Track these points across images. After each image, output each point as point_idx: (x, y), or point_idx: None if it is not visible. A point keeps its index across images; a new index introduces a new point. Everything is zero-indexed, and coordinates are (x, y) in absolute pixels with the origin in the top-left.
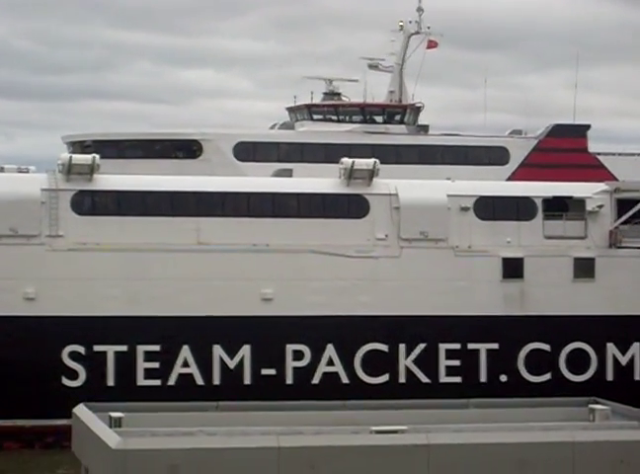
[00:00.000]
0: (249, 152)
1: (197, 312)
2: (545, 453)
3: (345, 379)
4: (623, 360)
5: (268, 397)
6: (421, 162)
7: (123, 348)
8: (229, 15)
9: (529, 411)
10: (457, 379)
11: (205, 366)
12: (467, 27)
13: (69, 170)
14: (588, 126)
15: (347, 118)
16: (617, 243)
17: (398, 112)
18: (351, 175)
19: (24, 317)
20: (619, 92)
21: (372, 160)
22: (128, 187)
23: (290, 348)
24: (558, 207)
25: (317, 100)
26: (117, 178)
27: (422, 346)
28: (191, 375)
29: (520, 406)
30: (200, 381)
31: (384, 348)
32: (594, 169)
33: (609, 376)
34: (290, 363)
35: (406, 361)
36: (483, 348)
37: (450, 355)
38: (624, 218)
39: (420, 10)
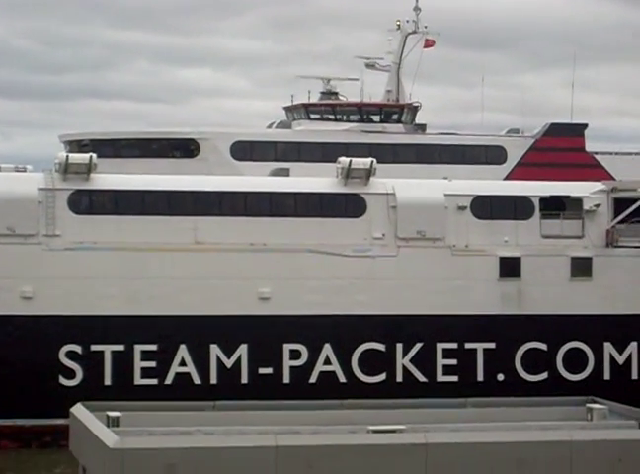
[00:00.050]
0: (246, 151)
1: (194, 311)
2: (543, 452)
3: (342, 378)
4: (620, 360)
5: (265, 396)
6: (418, 161)
7: (121, 347)
8: (227, 14)
9: (527, 410)
10: (454, 378)
11: (203, 366)
12: (465, 26)
13: (66, 169)
14: (585, 126)
15: (344, 117)
16: (614, 242)
17: (395, 111)
18: (348, 174)
19: (21, 316)
20: (618, 91)
21: (370, 159)
22: (126, 186)
23: (288, 347)
24: (555, 207)
25: (314, 99)
26: (114, 177)
27: (419, 345)
28: (188, 375)
29: (518, 405)
30: (197, 380)
31: (381, 347)
32: (591, 168)
33: (606, 375)
34: (288, 363)
35: (403, 361)
36: (480, 347)
37: (448, 354)
38: (621, 217)
39: (417, 9)
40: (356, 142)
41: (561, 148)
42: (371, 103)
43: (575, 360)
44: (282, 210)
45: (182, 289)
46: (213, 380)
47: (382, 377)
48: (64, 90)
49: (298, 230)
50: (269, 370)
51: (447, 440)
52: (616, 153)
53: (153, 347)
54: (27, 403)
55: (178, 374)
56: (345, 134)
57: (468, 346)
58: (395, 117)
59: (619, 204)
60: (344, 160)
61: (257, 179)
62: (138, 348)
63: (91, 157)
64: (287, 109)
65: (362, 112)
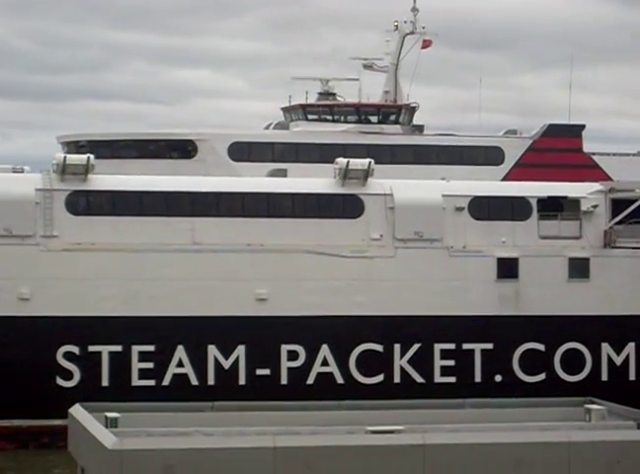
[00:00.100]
0: (244, 152)
1: (191, 312)
2: (541, 453)
3: (340, 379)
4: (618, 360)
5: (262, 397)
6: (416, 162)
7: (118, 348)
8: (225, 15)
9: (525, 411)
10: (452, 379)
11: (200, 367)
12: (462, 27)
13: (64, 170)
14: (582, 126)
15: (342, 118)
16: (612, 243)
17: (393, 112)
18: (345, 175)
19: (18, 317)
20: (616, 92)
21: (367, 160)
22: (123, 187)
23: (285, 348)
24: (553, 207)
25: (312, 100)
26: (111, 178)
27: (417, 346)
28: (185, 375)
29: (516, 406)
30: (194, 381)
31: (379, 348)
32: (588, 169)
33: (604, 376)
34: (285, 364)
35: (401, 362)
36: (478, 348)
37: (445, 355)
38: (619, 218)
39: (415, 10)
40: (353, 143)
41: (559, 149)
42: (369, 103)
43: (572, 361)
44: (280, 211)
45: (179, 290)
46: (211, 381)
47: (380, 378)
48: (63, 90)
49: (296, 231)
50: (266, 371)
51: (445, 441)
52: (614, 154)
53: (151, 347)
54: (24, 404)
55: (175, 375)
56: (342, 135)
57: (466, 346)
58: (393, 117)
59: (617, 205)
60: (341, 161)
61: (254, 180)
62: (136, 348)
63: (88, 158)
64: (285, 110)
65: (360, 112)
